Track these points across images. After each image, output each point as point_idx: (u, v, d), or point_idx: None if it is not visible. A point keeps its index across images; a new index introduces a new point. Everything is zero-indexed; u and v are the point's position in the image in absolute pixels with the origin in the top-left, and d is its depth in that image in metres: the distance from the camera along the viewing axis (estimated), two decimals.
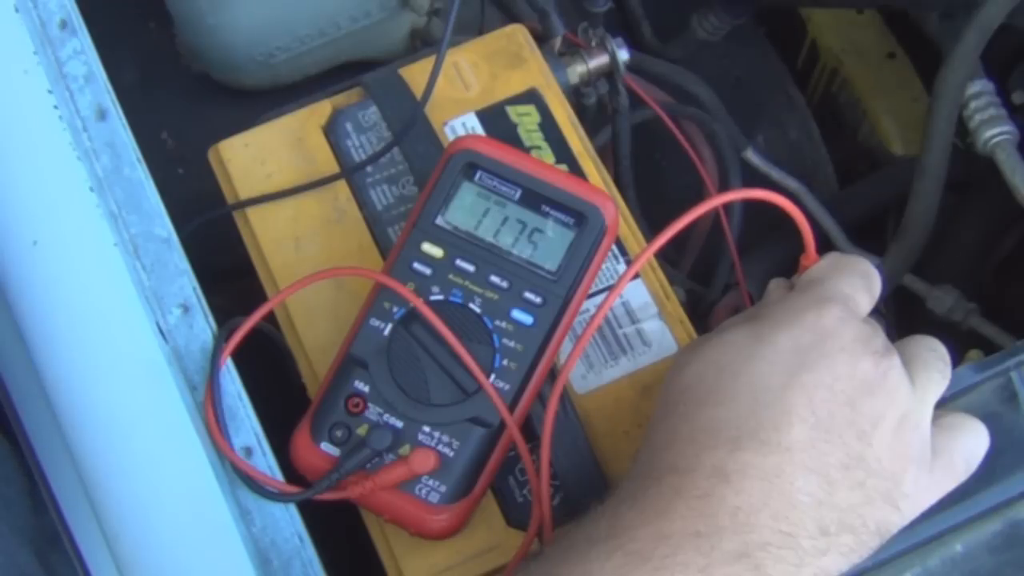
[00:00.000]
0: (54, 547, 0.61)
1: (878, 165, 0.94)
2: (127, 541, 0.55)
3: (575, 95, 0.75)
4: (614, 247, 0.63)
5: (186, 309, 0.59)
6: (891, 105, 0.94)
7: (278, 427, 0.58)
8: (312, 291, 0.61)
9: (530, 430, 0.59)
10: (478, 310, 0.57)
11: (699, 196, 0.83)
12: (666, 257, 0.84)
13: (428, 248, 0.58)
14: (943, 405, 0.54)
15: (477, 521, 0.58)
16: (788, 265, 0.60)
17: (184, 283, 0.59)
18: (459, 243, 0.58)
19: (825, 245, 0.79)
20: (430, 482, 0.56)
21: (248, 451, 0.56)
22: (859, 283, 0.55)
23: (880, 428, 0.51)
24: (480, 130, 0.67)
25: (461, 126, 0.67)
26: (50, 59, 0.62)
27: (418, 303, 0.57)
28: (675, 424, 0.52)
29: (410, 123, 0.65)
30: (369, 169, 0.66)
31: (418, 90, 0.66)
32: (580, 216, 0.58)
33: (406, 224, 0.60)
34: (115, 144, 0.61)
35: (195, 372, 0.58)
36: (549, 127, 0.67)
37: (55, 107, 0.60)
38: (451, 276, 0.58)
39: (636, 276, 0.63)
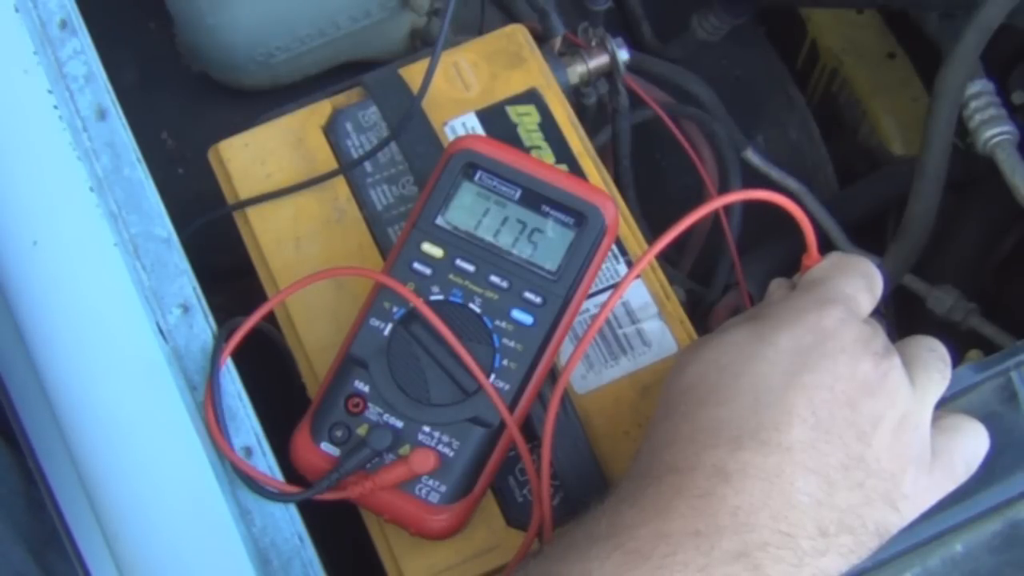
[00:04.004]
0: (51, 546, 0.61)
1: (878, 165, 0.94)
2: (127, 541, 0.55)
3: (575, 95, 0.75)
4: (614, 247, 0.63)
5: (186, 309, 0.59)
6: (891, 105, 0.94)
7: (278, 427, 0.58)
8: (312, 291, 0.61)
9: (530, 430, 0.59)
10: (478, 310, 0.57)
11: (699, 196, 0.83)
12: (666, 257, 0.84)
13: (428, 248, 0.58)
14: (943, 405, 0.54)
15: (477, 521, 0.58)
16: (788, 265, 0.60)
17: (184, 283, 0.59)
18: (459, 243, 0.58)
19: (825, 245, 0.79)
20: (430, 482, 0.56)
21: (248, 451, 0.57)
22: (861, 283, 0.55)
23: (880, 429, 0.51)
24: (480, 130, 0.67)
25: (461, 126, 0.67)
26: (50, 59, 0.62)
27: (418, 303, 0.57)
28: (676, 423, 0.52)
29: (407, 117, 0.65)
30: (369, 169, 0.66)
31: (418, 90, 0.66)
32: (580, 216, 0.58)
33: (406, 224, 0.60)
34: (115, 144, 0.61)
35: (195, 372, 0.58)
36: (549, 127, 0.67)
37: (55, 107, 0.60)
38: (451, 276, 0.58)
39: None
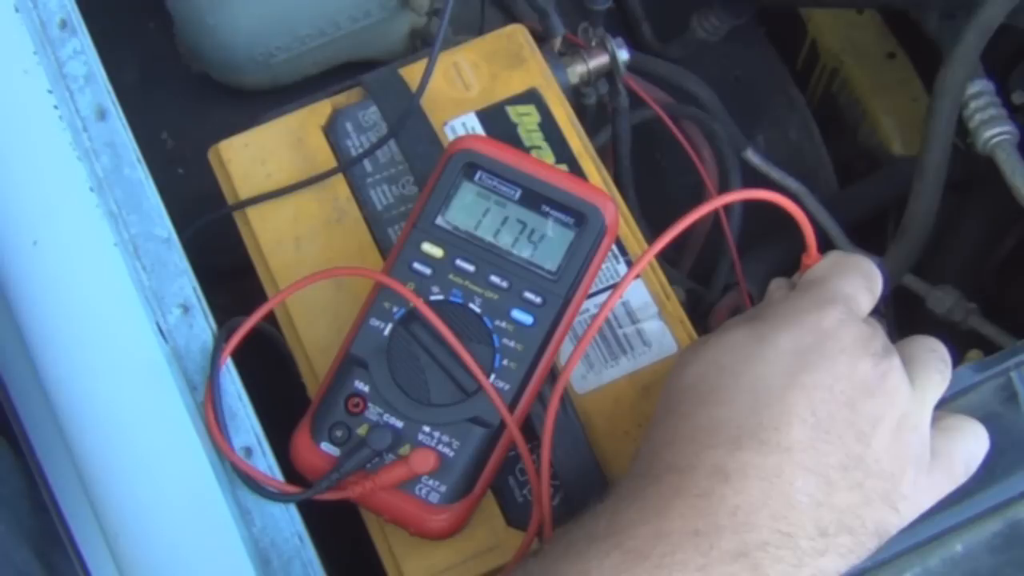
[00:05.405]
0: (55, 546, 0.61)
1: (878, 165, 0.95)
2: (127, 541, 0.55)
3: (575, 95, 0.75)
4: (614, 247, 0.64)
5: (186, 309, 0.59)
6: (891, 105, 0.94)
7: (278, 427, 0.58)
8: (312, 291, 0.61)
9: (530, 430, 0.59)
10: (478, 310, 0.57)
11: (699, 196, 0.83)
12: (666, 257, 0.83)
13: (428, 248, 0.58)
14: (943, 405, 0.54)
15: (477, 521, 0.58)
16: (788, 265, 0.60)
17: (184, 283, 0.59)
18: (459, 243, 0.58)
19: (825, 245, 0.79)
20: (430, 482, 0.56)
21: (248, 451, 0.57)
22: (860, 283, 0.55)
23: (879, 429, 0.51)
24: (480, 130, 0.67)
25: (461, 126, 0.67)
26: (50, 59, 0.62)
27: (418, 303, 0.57)
28: (676, 423, 0.52)
29: (406, 114, 0.65)
30: (369, 169, 0.66)
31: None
32: (580, 216, 0.58)
33: (406, 224, 0.60)
34: (115, 144, 0.61)
35: (195, 372, 0.58)
36: (549, 127, 0.67)
37: (55, 107, 0.60)
38: (451, 276, 0.58)
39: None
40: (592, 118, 0.78)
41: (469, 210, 0.59)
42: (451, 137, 0.66)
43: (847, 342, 0.52)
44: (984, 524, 0.55)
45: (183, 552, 0.55)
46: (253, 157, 0.67)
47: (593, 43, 0.75)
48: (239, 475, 0.56)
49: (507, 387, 0.56)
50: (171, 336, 0.58)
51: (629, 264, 0.64)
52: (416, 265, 0.58)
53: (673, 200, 0.90)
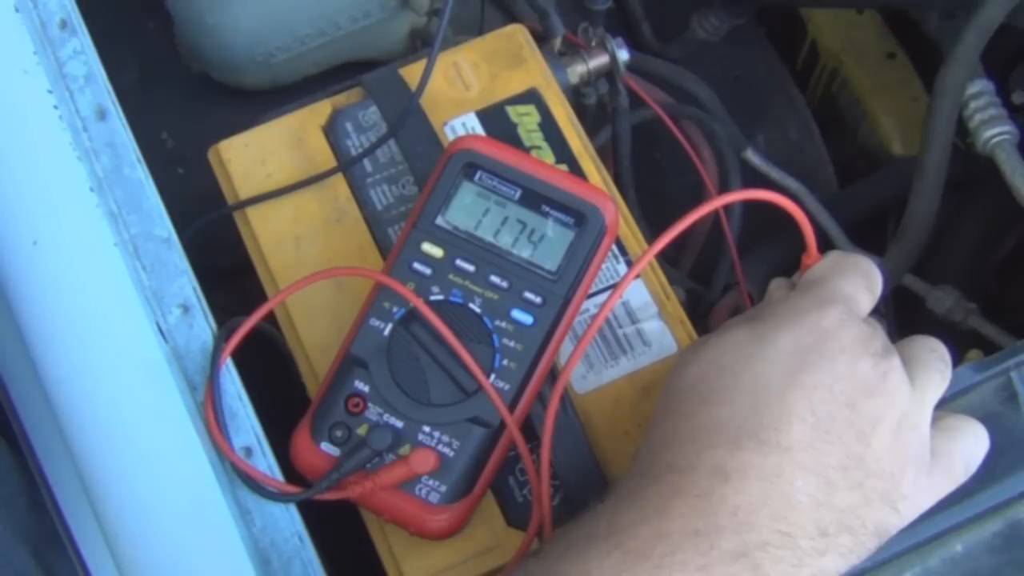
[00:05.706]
0: (53, 546, 0.61)
1: (878, 165, 0.95)
2: (127, 541, 0.55)
3: (575, 95, 0.75)
4: (614, 247, 0.64)
5: (186, 309, 0.59)
6: (891, 105, 0.94)
7: (278, 427, 0.58)
8: (312, 291, 0.61)
9: (530, 430, 0.59)
10: (478, 310, 0.57)
11: (699, 196, 0.83)
12: (666, 257, 0.83)
13: (428, 248, 0.58)
14: (943, 405, 0.54)
15: (477, 521, 0.58)
16: (788, 265, 0.60)
17: (184, 283, 0.59)
18: (459, 243, 0.58)
19: (825, 245, 0.79)
20: (430, 482, 0.56)
21: (248, 451, 0.57)
22: (860, 283, 0.55)
23: (879, 429, 0.51)
24: (480, 130, 0.67)
25: (461, 126, 0.67)
26: (50, 59, 0.62)
27: (418, 303, 0.57)
28: (676, 423, 0.52)
29: (406, 113, 0.65)
30: (369, 169, 0.66)
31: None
32: (580, 216, 0.58)
33: (406, 224, 0.60)
34: (115, 144, 0.61)
35: (195, 372, 0.58)
36: (549, 127, 0.67)
37: (55, 107, 0.60)
38: (451, 276, 0.58)
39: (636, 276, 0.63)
40: (592, 118, 0.78)
41: (469, 210, 0.59)
42: (451, 137, 0.66)
43: (847, 342, 0.52)
44: (984, 524, 0.55)
45: (183, 552, 0.55)
46: (253, 157, 0.67)
47: (593, 43, 0.75)
48: (239, 475, 0.56)
49: (507, 387, 0.56)
50: (171, 336, 0.58)
51: (629, 264, 0.64)
52: (416, 265, 0.58)
53: (673, 200, 0.90)
